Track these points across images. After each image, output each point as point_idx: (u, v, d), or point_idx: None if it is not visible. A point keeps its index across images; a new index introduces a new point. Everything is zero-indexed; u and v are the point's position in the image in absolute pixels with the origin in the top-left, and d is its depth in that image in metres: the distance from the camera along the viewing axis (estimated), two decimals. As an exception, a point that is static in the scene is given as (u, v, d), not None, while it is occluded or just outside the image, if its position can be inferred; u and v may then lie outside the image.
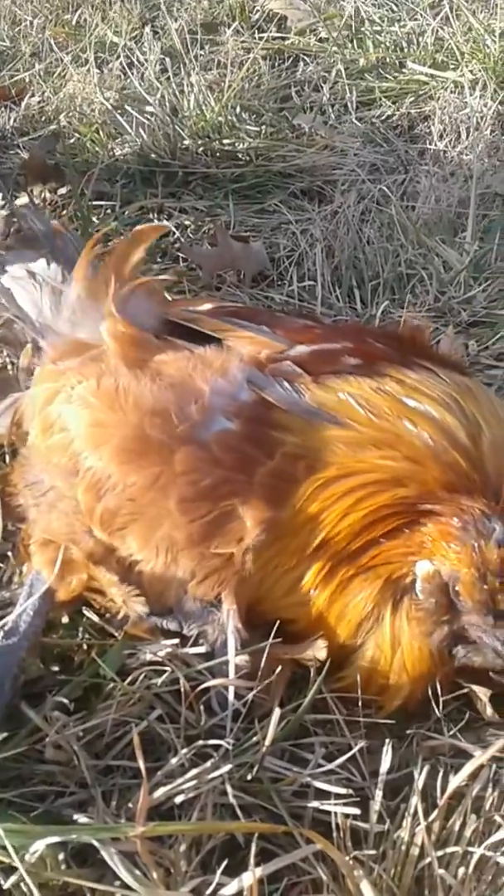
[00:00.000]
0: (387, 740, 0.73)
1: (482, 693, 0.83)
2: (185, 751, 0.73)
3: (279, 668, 0.82)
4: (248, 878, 0.62)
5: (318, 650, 0.82)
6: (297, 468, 0.83)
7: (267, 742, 0.73)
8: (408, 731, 0.82)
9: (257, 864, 0.63)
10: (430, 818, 0.69)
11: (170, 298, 1.06)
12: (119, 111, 1.76)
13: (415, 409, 0.84)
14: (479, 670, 0.84)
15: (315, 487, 0.82)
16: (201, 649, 0.82)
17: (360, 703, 0.81)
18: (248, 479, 0.83)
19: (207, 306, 0.98)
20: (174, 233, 1.49)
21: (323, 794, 0.75)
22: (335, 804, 0.71)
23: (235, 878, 0.63)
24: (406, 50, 2.07)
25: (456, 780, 0.69)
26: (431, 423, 0.83)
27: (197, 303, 1.01)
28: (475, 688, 0.83)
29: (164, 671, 0.81)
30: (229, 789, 0.70)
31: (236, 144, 1.69)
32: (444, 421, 0.84)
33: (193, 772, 0.72)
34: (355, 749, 0.75)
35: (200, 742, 0.74)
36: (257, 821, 0.73)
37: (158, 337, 0.91)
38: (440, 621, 0.81)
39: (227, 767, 0.71)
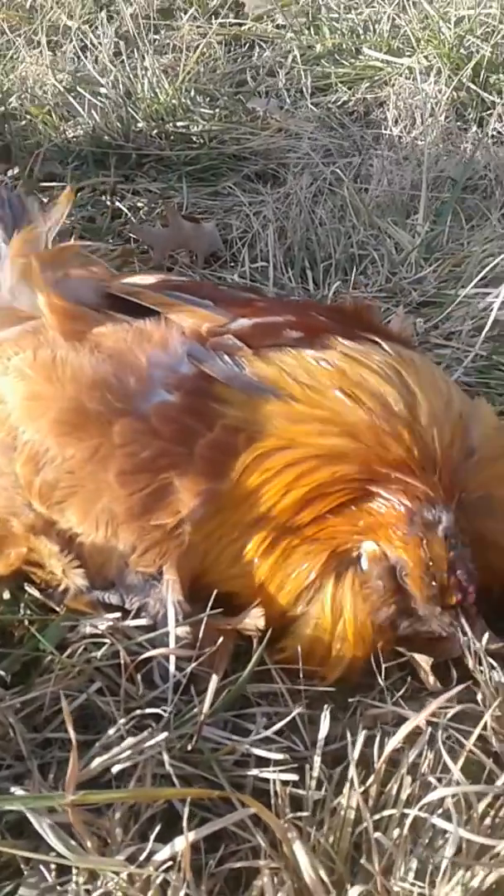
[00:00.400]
0: (325, 707, 0.73)
1: (424, 661, 0.83)
2: (122, 721, 0.73)
3: (220, 639, 0.82)
4: (181, 842, 0.62)
5: (256, 618, 0.81)
6: (237, 440, 0.83)
7: (205, 711, 0.72)
8: (350, 700, 0.82)
9: (191, 830, 0.62)
10: (368, 783, 0.70)
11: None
12: (72, 94, 1.75)
13: (354, 381, 0.84)
14: (421, 639, 0.84)
15: (254, 458, 0.82)
16: (143, 622, 0.82)
17: (301, 674, 0.81)
18: (188, 451, 0.82)
19: (151, 280, 0.98)
20: (127, 214, 1.48)
21: (264, 764, 0.75)
22: (273, 771, 0.71)
23: (168, 844, 0.63)
24: (362, 36, 2.07)
25: (391, 744, 0.69)
26: (370, 395, 0.83)
27: (140, 277, 1.01)
28: (417, 656, 0.84)
29: (105, 644, 0.80)
30: (166, 758, 0.70)
31: (190, 127, 1.68)
32: (382, 392, 0.84)
33: (130, 741, 0.72)
34: (290, 716, 0.74)
35: (139, 712, 0.74)
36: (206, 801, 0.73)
37: (98, 310, 0.90)
38: (388, 602, 0.81)
39: (162, 736, 0.70)
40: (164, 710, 0.73)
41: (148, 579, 0.83)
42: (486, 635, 0.78)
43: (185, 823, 0.62)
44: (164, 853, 0.63)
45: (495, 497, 0.85)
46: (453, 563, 0.75)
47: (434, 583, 0.76)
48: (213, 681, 0.73)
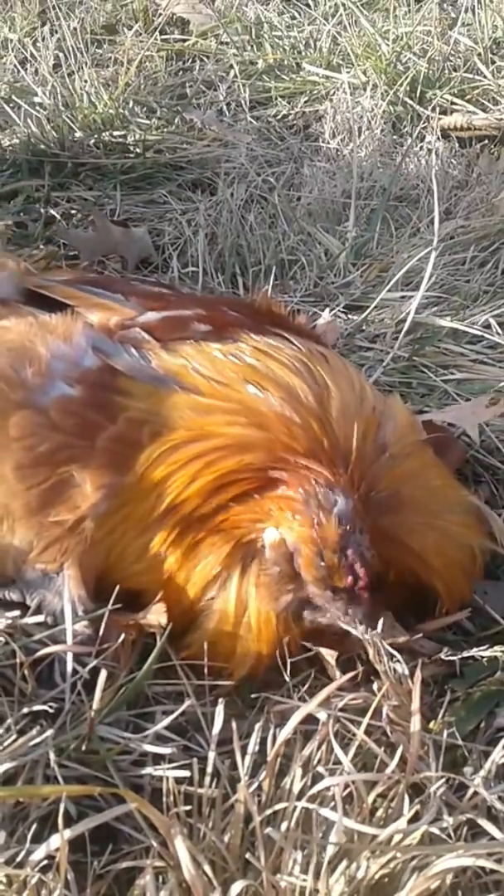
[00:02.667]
0: (220, 701, 0.72)
1: (329, 655, 0.82)
2: (10, 720, 0.70)
3: (122, 636, 0.80)
4: (56, 840, 0.60)
5: (159, 614, 0.80)
6: (141, 433, 0.82)
7: (94, 707, 0.70)
8: (255, 697, 0.80)
9: (67, 827, 0.60)
10: (260, 777, 0.68)
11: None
12: (10, 104, 1.74)
13: (263, 374, 0.84)
14: (327, 633, 0.83)
15: (161, 452, 0.81)
16: (41, 618, 0.80)
17: (207, 671, 0.80)
18: (90, 445, 0.81)
19: (66, 276, 0.97)
20: (59, 220, 1.47)
21: (161, 763, 0.73)
22: (165, 769, 0.69)
23: (44, 843, 0.60)
24: (303, 52, 2.09)
25: (282, 736, 0.67)
26: (279, 387, 0.83)
27: (57, 274, 1.00)
28: (323, 651, 0.82)
29: (1, 642, 0.78)
30: (52, 757, 0.68)
31: (127, 137, 1.68)
32: (291, 384, 0.83)
33: (20, 741, 0.69)
34: (178, 713, 0.72)
35: (26, 710, 0.71)
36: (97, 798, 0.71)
37: (5, 304, 0.89)
38: (285, 589, 0.80)
39: (48, 734, 0.68)
40: (53, 709, 0.71)
41: (48, 574, 0.81)
42: (383, 624, 0.77)
43: (60, 821, 0.59)
44: (39, 852, 0.61)
45: (403, 494, 0.84)
46: (345, 545, 0.74)
47: (322, 563, 0.75)
48: (102, 677, 0.71)
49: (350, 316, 1.29)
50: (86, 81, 1.78)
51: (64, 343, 0.84)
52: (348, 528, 0.75)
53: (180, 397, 0.83)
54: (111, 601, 0.78)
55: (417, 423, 0.92)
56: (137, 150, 1.66)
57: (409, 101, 1.87)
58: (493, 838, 0.62)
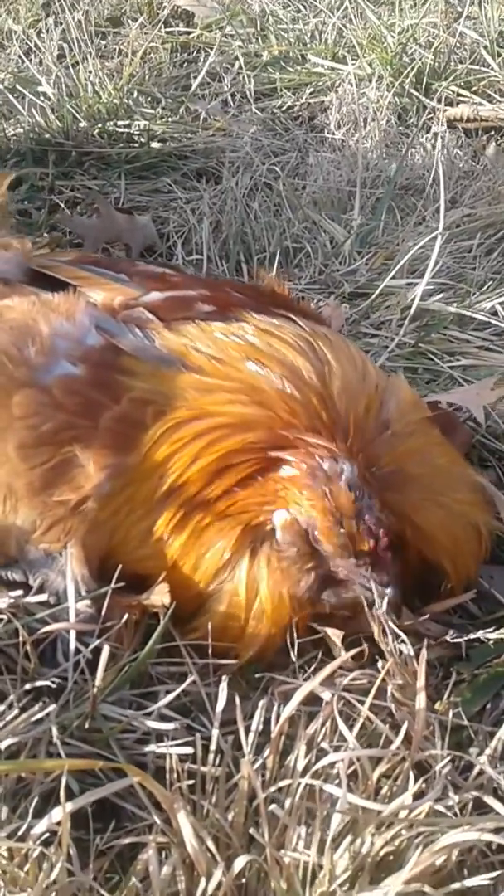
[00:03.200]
0: (223, 678, 0.71)
1: (335, 636, 0.81)
2: (12, 697, 0.70)
3: (126, 616, 0.79)
4: (58, 813, 0.59)
5: (162, 594, 0.79)
6: (145, 413, 0.81)
7: (97, 684, 0.70)
8: (257, 676, 0.80)
9: (69, 800, 0.60)
10: (264, 755, 0.67)
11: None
12: (15, 94, 1.74)
13: (264, 352, 0.83)
14: (335, 615, 0.82)
15: (164, 431, 0.81)
16: (44, 597, 0.79)
17: (212, 652, 0.79)
18: (93, 425, 0.80)
19: (70, 257, 0.97)
20: (63, 209, 1.47)
21: (164, 741, 0.73)
22: (168, 745, 0.69)
23: (45, 816, 0.60)
24: (308, 45, 2.09)
25: (285, 713, 0.67)
26: (281, 365, 0.82)
27: (61, 255, 1.00)
28: (329, 631, 0.82)
29: (3, 621, 0.78)
30: (55, 733, 0.67)
31: (132, 126, 1.67)
32: (293, 362, 0.83)
33: (22, 717, 0.69)
34: (179, 691, 0.71)
35: (28, 686, 0.71)
36: (99, 774, 0.71)
37: (8, 283, 0.88)
38: (306, 568, 0.79)
39: (51, 709, 0.67)
40: (56, 685, 0.70)
41: (52, 554, 0.81)
42: (391, 594, 0.76)
43: (62, 794, 0.59)
44: (41, 826, 0.60)
45: (406, 471, 0.84)
46: (360, 509, 0.74)
47: (343, 530, 0.75)
48: (104, 655, 0.71)
49: (355, 303, 1.28)
50: (90, 72, 1.77)
51: (67, 321, 0.84)
52: (359, 493, 0.74)
53: (184, 377, 0.82)
54: (114, 580, 0.78)
55: (422, 402, 0.91)
56: (142, 139, 1.66)
57: (415, 93, 1.86)
58: (498, 814, 0.61)
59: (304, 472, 0.77)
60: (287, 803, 0.63)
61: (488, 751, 0.68)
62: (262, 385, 0.81)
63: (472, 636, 0.83)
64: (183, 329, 0.85)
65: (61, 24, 2.09)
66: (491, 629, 0.84)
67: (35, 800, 0.65)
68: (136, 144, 1.65)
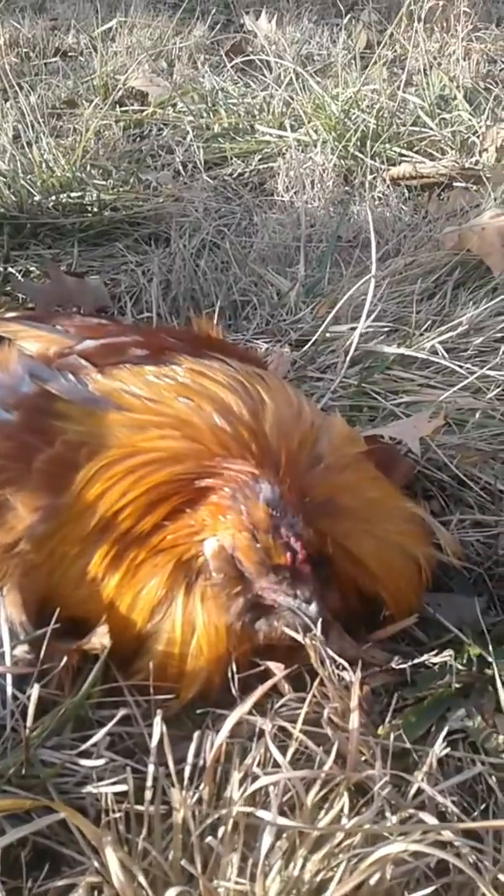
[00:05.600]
0: (158, 713, 0.70)
1: (276, 669, 0.81)
2: None
3: (64, 660, 0.79)
4: (-19, 852, 0.58)
5: (102, 637, 0.79)
6: (78, 454, 0.82)
7: (29, 728, 0.69)
8: (200, 713, 0.79)
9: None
10: (200, 788, 0.66)
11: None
12: (-30, 173, 1.80)
13: (196, 390, 0.85)
14: (277, 648, 0.82)
15: (97, 470, 0.81)
16: (-18, 644, 0.79)
17: (154, 692, 0.79)
18: (26, 468, 0.81)
19: (11, 314, 0.99)
20: (17, 277, 1.51)
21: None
22: (103, 785, 0.67)
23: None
24: (257, 116, 2.18)
25: (218, 739, 0.66)
26: (212, 401, 0.84)
27: (0, 313, 1.02)
28: (271, 664, 0.81)
29: None
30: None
31: (85, 197, 1.73)
32: (225, 400, 0.84)
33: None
34: (112, 722, 0.71)
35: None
36: (33, 816, 0.69)
37: None
38: (233, 594, 0.79)
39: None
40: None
41: (-11, 601, 0.80)
42: (314, 611, 0.76)
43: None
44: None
45: (339, 503, 0.84)
46: (277, 524, 0.74)
47: (258, 545, 0.75)
48: (34, 696, 0.70)
49: (301, 349, 1.31)
50: (44, 150, 1.84)
51: (1, 371, 0.86)
52: (276, 511, 0.75)
53: (116, 417, 0.84)
54: (52, 623, 0.78)
55: (357, 437, 0.92)
56: (94, 209, 1.71)
57: (359, 154, 1.94)
58: (431, 827, 0.60)
59: (226, 495, 0.77)
60: (220, 832, 0.62)
61: (424, 768, 0.67)
62: (193, 419, 0.82)
63: (416, 661, 0.82)
64: (116, 373, 0.87)
65: (16, 107, 2.18)
66: (435, 654, 0.83)
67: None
68: (89, 214, 1.71)
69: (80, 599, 0.82)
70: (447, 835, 0.61)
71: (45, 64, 2.53)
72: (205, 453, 0.81)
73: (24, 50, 2.66)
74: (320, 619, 0.75)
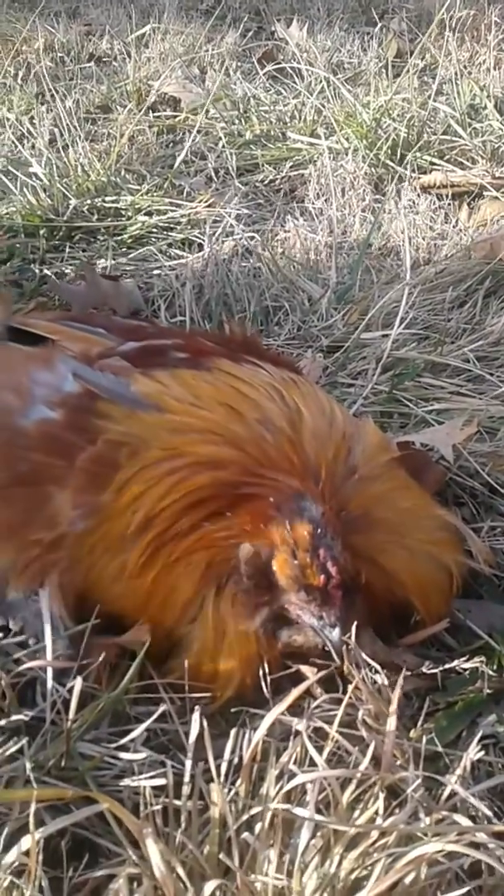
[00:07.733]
0: (196, 708, 0.72)
1: (309, 672, 0.82)
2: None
3: (103, 655, 0.80)
4: (27, 841, 0.59)
5: (142, 634, 0.80)
6: (119, 454, 0.84)
7: (70, 718, 0.71)
8: (234, 712, 0.80)
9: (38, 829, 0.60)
10: (238, 784, 0.68)
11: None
12: (8, 176, 1.83)
13: (236, 397, 0.86)
14: (308, 652, 0.83)
15: (137, 470, 0.83)
16: (23, 638, 0.80)
17: (186, 689, 0.80)
18: (69, 465, 0.83)
19: (49, 315, 1.01)
20: (51, 277, 1.53)
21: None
22: (142, 778, 0.69)
23: (14, 846, 0.60)
24: (288, 123, 2.20)
25: (256, 737, 0.67)
26: (252, 409, 0.85)
27: (42, 314, 1.04)
28: (303, 668, 0.82)
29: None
30: (27, 766, 0.68)
31: (119, 202, 1.76)
32: (264, 407, 0.86)
33: (-4, 754, 0.69)
34: (153, 719, 0.72)
35: (3, 722, 0.72)
36: (71, 808, 0.71)
37: (-8, 340, 0.92)
38: (260, 603, 0.81)
39: (23, 742, 0.68)
40: (33, 727, 0.71)
41: (30, 596, 0.82)
42: (363, 639, 0.77)
43: (31, 822, 0.59)
44: (10, 856, 0.60)
45: (373, 515, 0.85)
46: (316, 544, 0.75)
47: (296, 561, 0.76)
48: (77, 690, 0.71)
49: (333, 355, 1.32)
50: (80, 154, 1.87)
51: (46, 370, 0.88)
52: (319, 531, 0.76)
53: (157, 419, 0.85)
54: (92, 618, 0.79)
55: (389, 444, 0.93)
56: (128, 213, 1.73)
57: (390, 163, 1.96)
58: (466, 829, 0.61)
59: (271, 505, 0.78)
60: (257, 828, 0.63)
61: (458, 771, 0.68)
62: (234, 427, 0.84)
63: (447, 666, 0.83)
64: (157, 375, 0.88)
65: (52, 111, 2.21)
66: (466, 659, 0.84)
67: (6, 833, 0.64)
68: (124, 218, 1.73)
69: (117, 595, 0.84)
70: (480, 837, 0.62)
71: (80, 69, 2.56)
72: (246, 460, 0.82)
73: (60, 54, 2.69)
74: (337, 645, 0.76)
